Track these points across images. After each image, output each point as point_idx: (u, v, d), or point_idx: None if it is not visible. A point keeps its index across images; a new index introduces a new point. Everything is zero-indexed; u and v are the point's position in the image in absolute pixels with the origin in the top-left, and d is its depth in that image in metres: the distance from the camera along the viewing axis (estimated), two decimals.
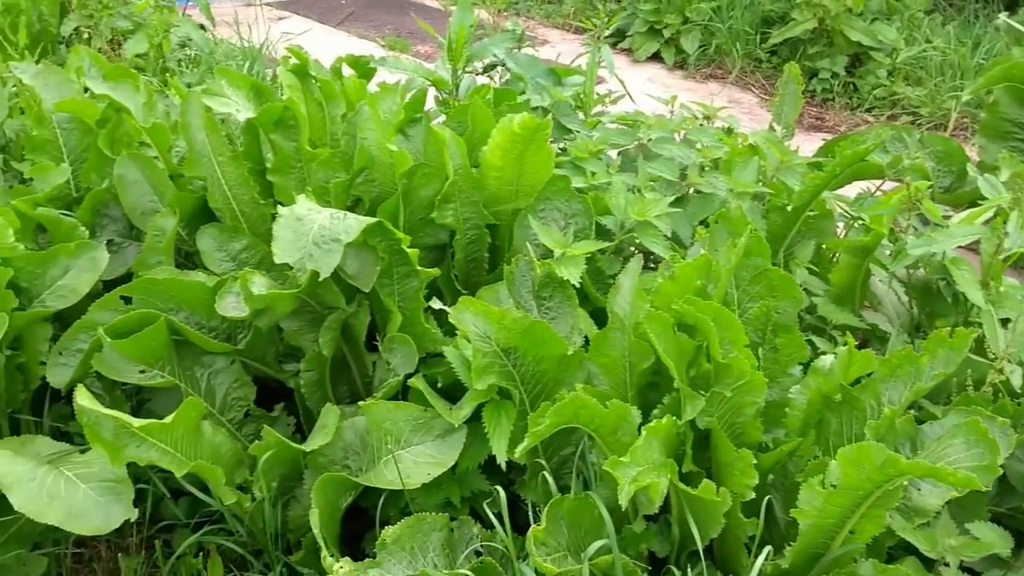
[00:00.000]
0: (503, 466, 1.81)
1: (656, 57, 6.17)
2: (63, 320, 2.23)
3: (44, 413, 2.26)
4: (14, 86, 3.18)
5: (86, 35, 4.20)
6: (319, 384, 2.24)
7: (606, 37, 3.05)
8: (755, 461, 1.68)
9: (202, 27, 4.58)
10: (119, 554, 2.18)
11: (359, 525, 2.10)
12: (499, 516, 1.74)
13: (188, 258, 2.59)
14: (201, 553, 2.13)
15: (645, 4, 6.17)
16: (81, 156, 2.63)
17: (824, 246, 2.57)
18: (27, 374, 2.17)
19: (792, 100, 2.84)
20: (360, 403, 1.98)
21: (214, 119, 2.42)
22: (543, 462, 1.87)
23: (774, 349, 1.98)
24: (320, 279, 1.98)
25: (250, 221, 2.47)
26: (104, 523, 1.81)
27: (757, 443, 1.80)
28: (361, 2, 7.36)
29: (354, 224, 1.98)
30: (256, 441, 2.07)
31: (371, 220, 2.01)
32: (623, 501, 1.49)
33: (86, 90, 2.71)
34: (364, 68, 2.92)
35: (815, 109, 5.48)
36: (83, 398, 1.74)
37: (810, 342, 2.13)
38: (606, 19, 3.16)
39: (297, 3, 7.18)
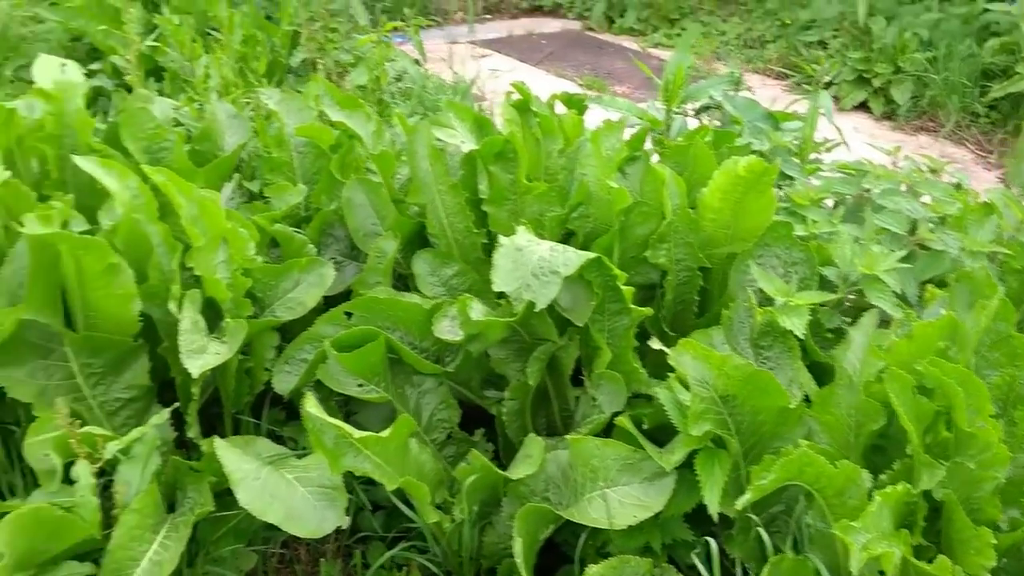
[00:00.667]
0: (714, 517, 1.75)
1: (863, 107, 5.93)
2: (285, 331, 2.36)
3: (263, 416, 2.39)
4: (252, 110, 3.43)
5: (314, 66, 4.48)
6: (520, 413, 2.26)
7: (810, 85, 2.97)
8: (994, 541, 1.56)
9: (416, 62, 4.79)
10: (319, 559, 2.27)
11: (548, 558, 2.09)
12: (709, 568, 1.69)
13: (400, 280, 2.69)
14: (403, 568, 2.18)
15: (854, 52, 5.96)
16: (312, 178, 2.79)
17: None
18: (253, 379, 2.30)
19: None
20: (567, 437, 1.97)
21: (438, 150, 2.52)
22: (754, 517, 1.80)
23: (1011, 422, 1.83)
24: (536, 310, 2.00)
25: (462, 249, 2.54)
26: (318, 527, 1.88)
27: (994, 521, 1.66)
28: (560, 43, 7.52)
29: (574, 258, 1.99)
30: (458, 464, 2.12)
31: (590, 255, 2.01)
32: (854, 568, 1.41)
33: (319, 116, 2.89)
34: (578, 105, 2.95)
35: None
36: (311, 406, 1.82)
37: None
38: (826, 65, 3.07)
39: (500, 42, 7.40)
